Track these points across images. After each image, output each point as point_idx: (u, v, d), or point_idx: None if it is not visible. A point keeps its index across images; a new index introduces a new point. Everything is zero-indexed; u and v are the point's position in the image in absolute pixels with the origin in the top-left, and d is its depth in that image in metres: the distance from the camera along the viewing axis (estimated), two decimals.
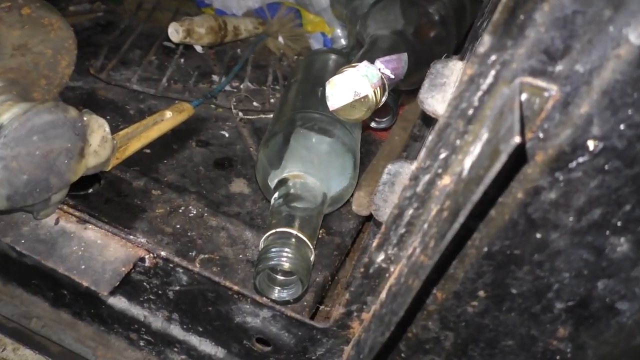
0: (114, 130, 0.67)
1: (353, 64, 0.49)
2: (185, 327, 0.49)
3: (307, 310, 0.52)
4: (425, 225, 0.29)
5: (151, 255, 0.42)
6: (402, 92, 0.76)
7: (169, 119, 0.67)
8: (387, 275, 0.34)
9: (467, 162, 0.26)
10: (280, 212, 0.50)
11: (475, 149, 0.25)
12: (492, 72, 0.24)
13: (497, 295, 0.32)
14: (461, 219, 0.23)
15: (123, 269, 0.41)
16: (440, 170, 0.28)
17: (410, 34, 0.61)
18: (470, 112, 0.25)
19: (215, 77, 0.87)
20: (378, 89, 0.49)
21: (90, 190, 0.55)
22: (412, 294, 0.27)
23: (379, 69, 0.50)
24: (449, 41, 0.64)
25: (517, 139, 0.20)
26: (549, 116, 0.24)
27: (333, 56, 0.76)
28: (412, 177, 0.29)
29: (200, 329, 0.48)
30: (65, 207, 0.42)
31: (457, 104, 0.25)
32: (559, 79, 0.23)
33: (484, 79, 0.24)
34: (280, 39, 0.98)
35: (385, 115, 0.73)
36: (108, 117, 0.70)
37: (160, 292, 0.46)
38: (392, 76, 0.51)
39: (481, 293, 0.32)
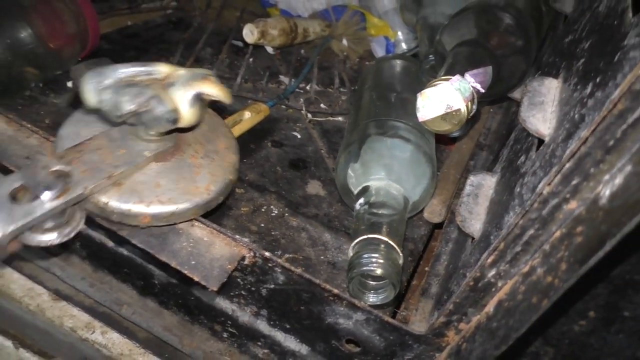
0: None
1: (445, 77, 0.50)
2: (272, 323, 0.51)
3: (386, 315, 0.53)
4: (547, 247, 0.31)
5: (251, 254, 0.44)
6: None
7: (248, 119, 0.69)
8: (493, 289, 0.36)
9: (605, 191, 0.27)
10: (367, 218, 0.52)
11: (616, 179, 0.26)
12: None
13: (607, 317, 0.33)
14: (607, 247, 0.24)
15: (229, 266, 0.43)
16: (568, 195, 0.29)
17: (490, 45, 0.62)
18: (611, 143, 0.27)
19: (282, 78, 0.89)
20: (470, 102, 0.50)
21: None
22: (539, 313, 0.29)
23: (470, 83, 0.51)
24: (529, 53, 0.64)
25: None
26: None
27: (402, 62, 0.77)
28: (542, 201, 0.30)
29: (288, 326, 0.50)
30: None
31: (602, 136, 0.26)
32: None
33: (632, 113, 0.25)
34: (344, 41, 0.99)
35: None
36: None
37: (253, 289, 0.48)
38: (482, 90, 0.52)
39: (591, 313, 0.33)
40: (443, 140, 0.79)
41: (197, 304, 0.54)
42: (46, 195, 0.38)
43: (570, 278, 0.27)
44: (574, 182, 0.29)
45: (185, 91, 0.42)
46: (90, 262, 0.58)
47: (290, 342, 0.51)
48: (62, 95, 0.68)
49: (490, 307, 0.36)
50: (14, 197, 0.38)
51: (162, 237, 0.44)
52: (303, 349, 0.51)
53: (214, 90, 0.43)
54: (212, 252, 0.43)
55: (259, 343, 0.53)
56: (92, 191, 0.41)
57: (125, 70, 0.42)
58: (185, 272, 0.42)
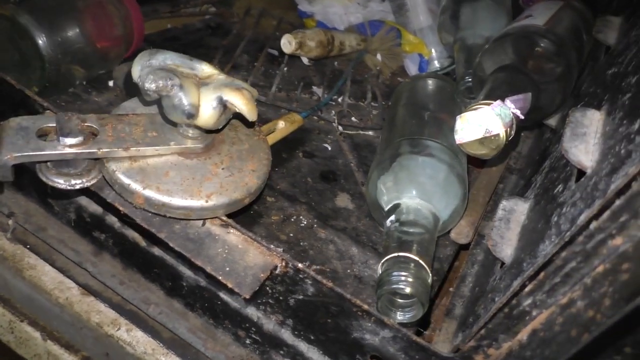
0: None
1: (485, 102, 0.51)
2: (296, 333, 0.51)
3: (412, 334, 0.53)
4: (588, 280, 0.31)
5: (283, 264, 0.45)
6: None
7: (282, 128, 0.70)
8: (527, 317, 0.36)
9: None
10: (397, 236, 0.52)
11: None
12: None
13: None
14: None
15: (262, 275, 0.43)
16: (614, 231, 0.29)
17: (530, 71, 0.62)
18: None
19: (315, 89, 0.89)
20: (509, 128, 0.50)
21: None
22: (579, 346, 0.29)
23: (511, 109, 0.51)
24: (569, 81, 0.64)
25: None
26: None
27: (437, 81, 0.77)
28: (588, 235, 0.30)
29: (312, 337, 0.50)
30: None
31: None
32: None
33: None
34: (379, 56, 1.00)
35: None
36: None
37: (281, 298, 0.48)
38: (522, 117, 0.52)
39: (627, 349, 0.33)
40: (472, 162, 0.79)
41: (223, 309, 0.54)
42: (63, 141, 0.41)
43: (615, 314, 0.27)
44: (622, 219, 0.29)
45: (213, 93, 0.43)
46: (121, 260, 0.59)
47: (313, 354, 0.51)
48: (103, 93, 0.70)
49: (523, 335, 0.35)
50: (43, 132, 0.42)
51: (199, 242, 0.44)
52: None
53: (240, 102, 0.43)
54: (246, 259, 0.44)
55: (282, 352, 0.53)
56: (105, 155, 0.43)
57: (173, 58, 0.44)
58: (220, 278, 0.42)
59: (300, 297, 0.47)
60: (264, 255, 0.45)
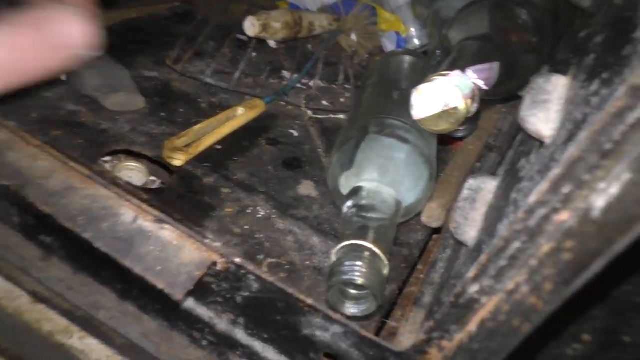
0: (187, 124, 0.67)
1: (443, 72, 0.46)
2: (250, 332, 0.47)
3: (373, 325, 0.49)
4: (534, 262, 0.27)
5: (223, 259, 0.41)
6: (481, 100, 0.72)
7: (242, 115, 0.66)
8: (476, 306, 0.32)
9: (599, 201, 0.23)
10: (354, 222, 0.48)
11: (611, 189, 0.22)
12: None
13: (604, 342, 0.29)
14: (596, 266, 0.20)
15: (197, 273, 0.40)
16: (559, 205, 0.25)
17: (500, 41, 0.57)
18: (608, 146, 0.23)
19: (285, 73, 0.86)
20: (469, 100, 0.46)
21: (164, 185, 0.55)
22: (520, 338, 0.25)
23: (471, 79, 0.46)
24: (543, 50, 0.60)
25: None
26: None
27: (410, 58, 0.73)
28: (528, 211, 0.26)
29: (266, 336, 0.47)
30: (144, 206, 0.42)
31: (597, 138, 0.22)
32: None
33: (632, 112, 0.21)
34: (353, 36, 0.96)
35: (464, 123, 0.70)
36: (181, 110, 0.70)
37: (228, 296, 0.45)
38: (485, 87, 0.48)
39: (586, 337, 0.29)
40: (448, 140, 0.75)
41: (174, 309, 0.51)
42: None
43: (555, 300, 0.23)
44: (565, 191, 0.25)
45: None
46: (70, 264, 0.55)
47: (269, 353, 0.48)
48: (53, 88, 0.66)
49: (473, 326, 0.32)
50: None
51: (129, 241, 0.41)
52: None
53: None
54: (181, 257, 0.41)
55: (238, 352, 0.50)
56: None
57: None
58: (150, 278, 0.39)
59: (247, 294, 0.43)
60: (200, 252, 0.41)
